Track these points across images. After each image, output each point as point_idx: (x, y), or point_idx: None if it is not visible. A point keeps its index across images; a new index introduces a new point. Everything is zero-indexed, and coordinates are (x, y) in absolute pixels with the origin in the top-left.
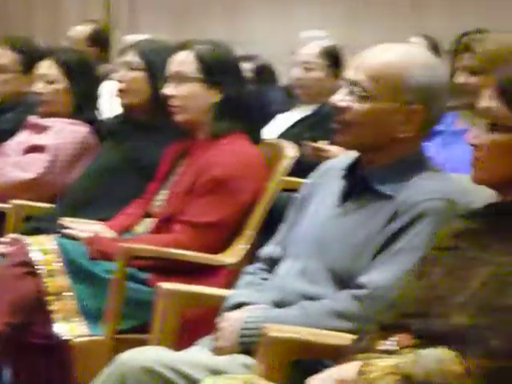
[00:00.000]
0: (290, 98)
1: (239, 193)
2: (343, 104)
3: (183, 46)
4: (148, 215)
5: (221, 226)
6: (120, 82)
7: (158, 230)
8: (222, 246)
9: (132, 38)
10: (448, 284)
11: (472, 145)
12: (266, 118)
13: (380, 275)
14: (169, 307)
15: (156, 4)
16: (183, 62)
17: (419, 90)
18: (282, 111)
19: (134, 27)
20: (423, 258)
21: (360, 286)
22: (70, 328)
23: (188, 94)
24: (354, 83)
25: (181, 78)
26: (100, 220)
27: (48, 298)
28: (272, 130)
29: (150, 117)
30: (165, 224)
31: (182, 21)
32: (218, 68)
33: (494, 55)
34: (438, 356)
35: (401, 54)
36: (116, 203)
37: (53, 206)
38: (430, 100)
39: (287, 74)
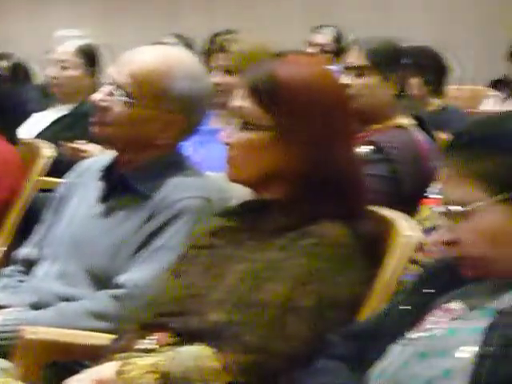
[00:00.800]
0: (45, 97)
1: None
2: (104, 104)
3: None
4: None
5: None
6: None
7: None
8: None
9: None
10: (204, 282)
11: (226, 144)
12: (22, 117)
13: (138, 274)
14: None
15: None
16: None
17: (181, 100)
18: (38, 110)
19: None
20: (181, 257)
21: (118, 286)
22: None
23: None
24: (116, 85)
25: None
26: None
27: None
28: (28, 130)
29: None
30: None
31: None
32: None
33: (247, 55)
34: (195, 353)
35: (167, 61)
36: None
37: None
38: (191, 110)
39: (43, 73)
